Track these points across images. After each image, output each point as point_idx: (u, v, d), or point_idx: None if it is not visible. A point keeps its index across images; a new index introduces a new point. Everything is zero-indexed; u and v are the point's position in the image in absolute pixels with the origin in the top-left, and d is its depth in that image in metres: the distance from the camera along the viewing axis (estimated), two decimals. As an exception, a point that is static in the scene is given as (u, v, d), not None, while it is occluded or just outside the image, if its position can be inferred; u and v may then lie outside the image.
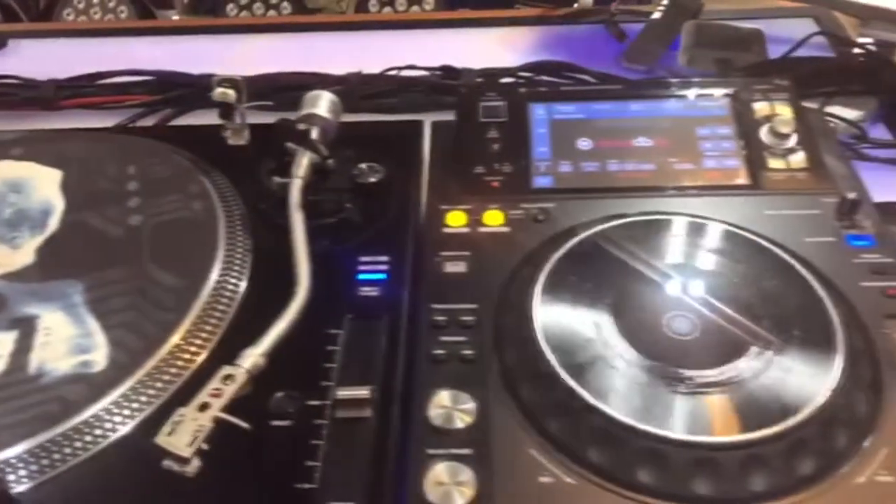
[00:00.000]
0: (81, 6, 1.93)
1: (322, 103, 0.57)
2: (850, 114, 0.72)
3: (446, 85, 0.78)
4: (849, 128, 0.71)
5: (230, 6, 1.91)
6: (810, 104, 0.73)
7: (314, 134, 0.55)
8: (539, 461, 0.41)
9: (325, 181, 0.56)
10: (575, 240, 0.50)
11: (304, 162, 0.54)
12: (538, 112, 0.62)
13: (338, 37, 0.98)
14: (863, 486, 0.39)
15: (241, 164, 0.60)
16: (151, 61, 0.85)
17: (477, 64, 0.83)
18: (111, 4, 1.94)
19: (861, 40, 0.75)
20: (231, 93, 0.57)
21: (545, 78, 0.79)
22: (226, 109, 0.58)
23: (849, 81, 0.72)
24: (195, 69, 0.82)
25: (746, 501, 0.39)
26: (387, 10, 1.88)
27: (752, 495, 0.39)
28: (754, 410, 0.41)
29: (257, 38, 0.99)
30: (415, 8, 1.88)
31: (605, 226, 0.51)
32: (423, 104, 0.77)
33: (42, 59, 0.93)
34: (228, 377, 0.41)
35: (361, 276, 0.51)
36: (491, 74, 0.79)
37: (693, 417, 0.41)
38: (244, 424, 0.39)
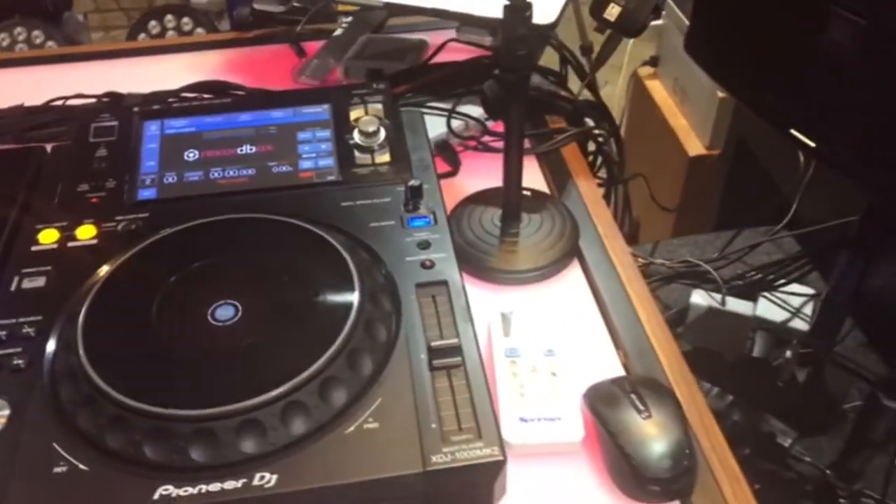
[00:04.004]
0: None
1: None
2: (479, 111, 0.79)
3: (98, 109, 0.79)
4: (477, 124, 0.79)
5: (-9, 46, 1.85)
6: (445, 104, 0.80)
7: None
8: (59, 453, 0.43)
9: None
10: (132, 250, 0.53)
11: None
12: (151, 129, 0.65)
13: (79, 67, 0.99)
14: (351, 434, 0.44)
15: None
16: None
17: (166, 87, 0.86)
18: None
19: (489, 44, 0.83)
20: None
21: (207, 96, 0.83)
22: None
23: (476, 81, 0.80)
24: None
25: (241, 464, 0.43)
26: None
27: (249, 457, 0.43)
28: (258, 377, 0.45)
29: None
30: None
31: (158, 236, 0.55)
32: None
33: None
34: None
35: (-68, 303, 0.52)
36: (156, 97, 0.82)
37: (199, 390, 0.44)
38: None
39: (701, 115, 1.61)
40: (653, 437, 0.51)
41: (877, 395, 0.75)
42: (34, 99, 0.85)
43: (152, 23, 1.87)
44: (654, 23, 1.84)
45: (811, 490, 0.91)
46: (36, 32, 1.84)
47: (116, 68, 0.99)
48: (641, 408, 0.52)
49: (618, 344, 0.61)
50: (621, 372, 0.59)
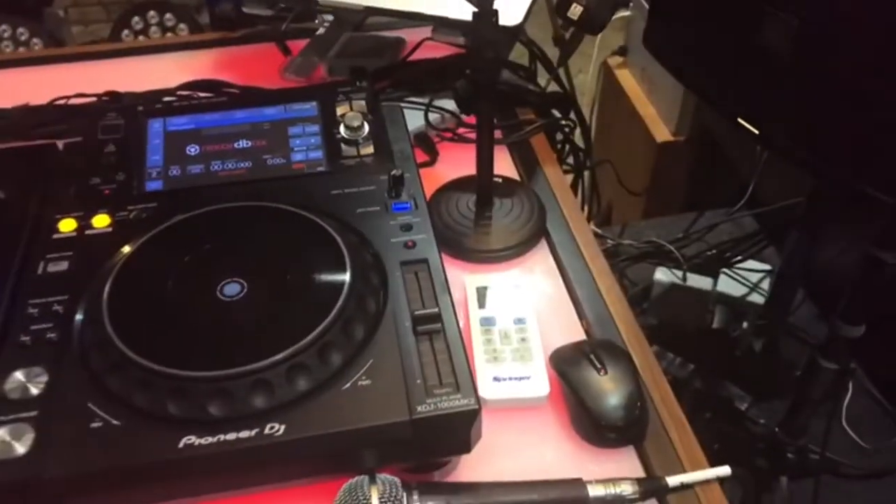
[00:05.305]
0: None
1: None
2: (454, 105, 0.86)
3: (104, 108, 0.85)
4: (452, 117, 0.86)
5: (-24, 44, 1.88)
6: (423, 99, 0.87)
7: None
8: (94, 411, 0.50)
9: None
10: (148, 235, 0.60)
11: None
12: (154, 126, 0.71)
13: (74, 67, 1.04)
14: (348, 390, 0.51)
15: None
16: None
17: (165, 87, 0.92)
18: None
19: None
20: None
21: (202, 94, 0.89)
22: None
23: (451, 78, 0.86)
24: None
25: (254, 417, 0.50)
26: (141, 38, 1.92)
27: (260, 411, 0.50)
28: (265, 342, 0.52)
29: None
30: (169, 35, 1.92)
31: (171, 222, 0.61)
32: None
33: None
34: None
35: (-34, 285, 0.58)
36: (153, 96, 0.88)
37: (214, 355, 0.51)
38: None
39: (667, 104, 1.69)
40: (609, 391, 0.58)
41: (815, 357, 0.83)
42: (32, 98, 0.90)
43: (135, 19, 1.91)
44: (622, 14, 1.90)
45: (763, 448, 1.00)
46: (21, 30, 1.88)
47: (109, 68, 1.04)
48: (599, 366, 0.59)
49: (580, 313, 0.68)
50: (583, 337, 0.66)
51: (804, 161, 0.81)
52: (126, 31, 1.93)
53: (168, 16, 1.92)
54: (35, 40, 1.90)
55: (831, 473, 1.03)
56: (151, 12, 1.92)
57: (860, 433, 1.06)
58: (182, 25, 1.93)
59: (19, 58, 1.14)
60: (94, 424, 0.49)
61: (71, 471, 0.48)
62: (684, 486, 0.55)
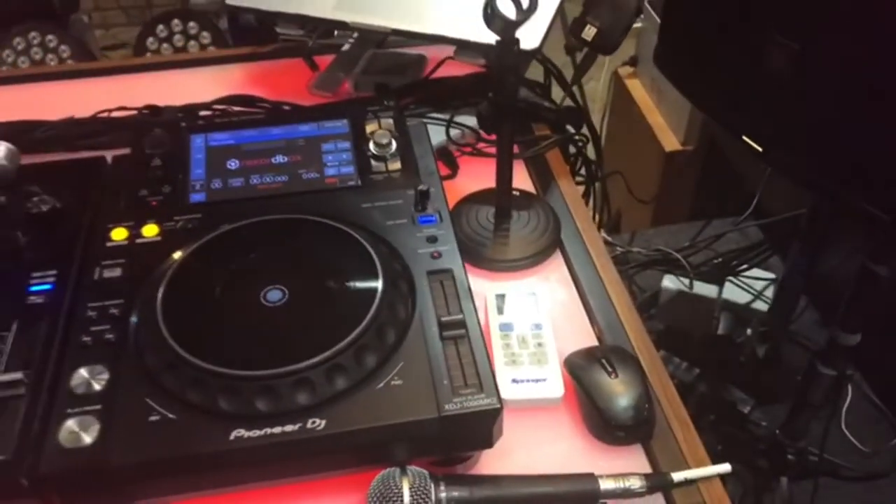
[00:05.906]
0: None
1: (-4, 151, 0.69)
2: (473, 121, 0.91)
3: (148, 122, 0.90)
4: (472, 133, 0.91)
5: (6, 52, 1.94)
6: (443, 115, 0.92)
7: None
8: (151, 405, 0.55)
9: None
10: (196, 244, 0.65)
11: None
12: (197, 141, 0.77)
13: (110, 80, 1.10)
14: (381, 389, 0.56)
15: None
16: None
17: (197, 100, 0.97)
18: None
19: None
20: None
21: (237, 108, 0.94)
22: None
23: (471, 96, 0.91)
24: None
25: (297, 412, 0.55)
26: (165, 46, 1.97)
27: (302, 407, 0.55)
28: (307, 345, 0.57)
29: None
30: (192, 43, 1.98)
31: (217, 232, 0.67)
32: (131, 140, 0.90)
33: None
34: None
35: (32, 288, 0.63)
36: (190, 109, 0.93)
37: (261, 356, 0.56)
38: None
39: (676, 114, 1.73)
40: (619, 393, 0.63)
41: (814, 363, 0.88)
42: (71, 109, 0.95)
43: (160, 27, 1.97)
44: (633, 24, 1.95)
45: (765, 449, 1.05)
46: (49, 37, 1.93)
47: (143, 81, 1.10)
48: (610, 370, 0.64)
49: (592, 320, 0.73)
50: (595, 342, 0.71)
51: (805, 178, 0.86)
52: (151, 39, 1.99)
53: (191, 24, 1.98)
54: (63, 47, 1.96)
55: (830, 475, 1.07)
56: (175, 20, 1.98)
57: (858, 437, 1.10)
58: (205, 33, 1.99)
59: (58, 71, 1.20)
60: (153, 418, 0.54)
61: (133, 459, 0.53)
62: (688, 482, 0.60)
